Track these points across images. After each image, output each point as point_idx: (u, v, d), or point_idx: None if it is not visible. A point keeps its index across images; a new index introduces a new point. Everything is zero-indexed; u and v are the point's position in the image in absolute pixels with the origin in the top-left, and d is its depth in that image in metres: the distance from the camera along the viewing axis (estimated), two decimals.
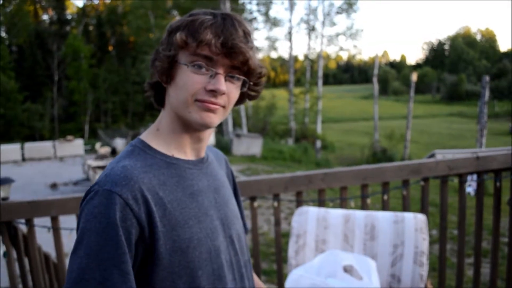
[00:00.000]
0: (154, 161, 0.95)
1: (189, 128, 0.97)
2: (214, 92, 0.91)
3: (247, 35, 0.93)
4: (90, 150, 20.74)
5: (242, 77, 0.95)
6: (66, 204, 2.15)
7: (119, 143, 18.04)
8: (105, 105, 32.47)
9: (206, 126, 0.95)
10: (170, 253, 0.89)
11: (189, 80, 0.91)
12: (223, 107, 0.95)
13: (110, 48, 36.67)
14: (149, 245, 0.87)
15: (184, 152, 1.01)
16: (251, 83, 0.98)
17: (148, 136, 1.01)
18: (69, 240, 2.02)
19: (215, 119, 0.94)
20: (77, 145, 20.10)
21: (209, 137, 1.05)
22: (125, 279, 0.82)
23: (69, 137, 20.67)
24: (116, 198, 0.84)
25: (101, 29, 36.47)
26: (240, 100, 1.03)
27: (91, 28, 38.10)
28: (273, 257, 4.93)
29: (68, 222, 2.26)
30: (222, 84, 0.91)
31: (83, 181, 12.35)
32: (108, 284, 0.81)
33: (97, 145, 13.07)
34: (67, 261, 1.43)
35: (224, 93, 0.92)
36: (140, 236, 0.86)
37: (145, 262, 0.88)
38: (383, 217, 1.87)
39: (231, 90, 0.94)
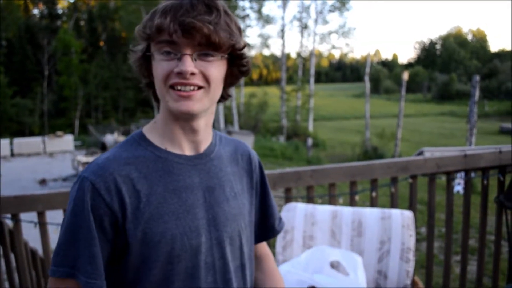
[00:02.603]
0: (142, 154, 0.96)
1: (179, 118, 0.96)
2: (182, 74, 0.89)
3: (212, 8, 0.90)
4: (80, 146, 20.61)
5: (215, 53, 0.91)
6: (53, 199, 2.14)
7: (110, 139, 17.94)
8: (95, 100, 32.21)
9: (186, 114, 0.92)
10: (141, 244, 0.91)
11: (159, 68, 0.91)
12: (202, 88, 0.92)
13: (101, 43, 36.38)
14: (123, 234, 0.91)
15: (179, 145, 0.99)
16: (226, 56, 0.94)
17: (147, 128, 1.02)
18: (56, 236, 2.01)
19: (193, 105, 0.92)
20: (67, 141, 19.97)
21: (207, 127, 1.01)
22: (92, 260, 0.89)
23: (59, 132, 20.51)
24: (89, 185, 0.89)
25: (92, 24, 36.16)
26: (234, 79, 1.01)
27: (82, 23, 37.75)
28: None
29: (55, 217, 2.24)
30: (187, 64, 0.88)
31: (73, 177, 12.28)
32: (78, 262, 0.89)
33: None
34: None
35: (193, 73, 0.89)
36: (115, 224, 0.91)
37: (122, 250, 0.93)
38: (370, 214, 1.88)
39: (206, 68, 0.91)
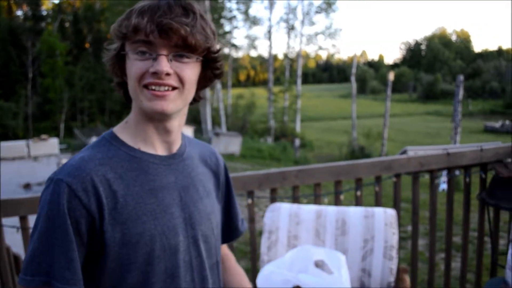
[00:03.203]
0: (116, 154, 0.95)
1: (152, 118, 0.96)
2: (157, 74, 0.89)
3: (188, 11, 0.91)
4: (66, 149, 20.39)
5: (190, 55, 0.92)
6: (35, 203, 2.10)
7: (95, 139, 17.77)
8: (81, 103, 31.88)
9: (160, 113, 0.93)
10: (120, 246, 0.90)
11: (134, 67, 0.91)
12: (176, 88, 0.93)
13: (87, 45, 36.04)
14: (100, 236, 0.89)
15: (153, 145, 0.99)
16: (201, 59, 0.96)
17: (118, 128, 1.01)
18: None
19: (167, 105, 0.92)
20: (51, 144, 19.72)
21: (179, 128, 1.02)
22: (70, 265, 0.86)
23: (44, 136, 20.25)
24: (65, 187, 0.87)
25: (78, 26, 35.82)
26: (207, 81, 1.02)
27: (67, 24, 37.35)
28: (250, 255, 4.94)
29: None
30: (163, 65, 0.89)
31: None
32: (55, 268, 0.85)
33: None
34: None
35: (168, 74, 0.90)
36: (92, 226, 0.89)
37: (98, 252, 0.91)
38: (354, 212, 1.89)
39: (181, 69, 0.92)
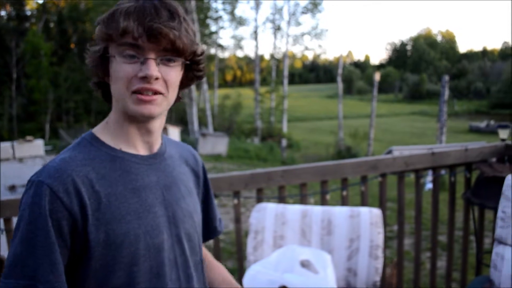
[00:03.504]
0: (97, 154, 0.95)
1: (135, 120, 0.96)
2: (146, 78, 0.90)
3: (174, 14, 0.92)
4: (51, 151, 20.15)
5: (177, 58, 0.94)
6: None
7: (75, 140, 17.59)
8: (67, 104, 31.53)
9: (147, 117, 0.94)
10: (104, 246, 0.89)
11: (121, 71, 0.91)
12: (162, 94, 0.93)
13: (72, 45, 35.66)
14: (83, 238, 0.88)
15: (134, 146, 0.99)
16: (188, 62, 0.97)
17: (98, 129, 1.01)
18: None
19: (154, 109, 0.93)
20: (37, 146, 19.44)
21: (160, 129, 1.03)
22: (53, 268, 0.85)
23: (29, 137, 19.96)
24: (46, 189, 0.86)
25: (62, 26, 35.43)
26: (188, 82, 1.03)
27: (51, 24, 36.92)
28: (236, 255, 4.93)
29: None
30: (152, 69, 0.89)
31: None
32: (39, 272, 0.84)
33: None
34: None
35: (157, 78, 0.91)
36: (74, 228, 0.88)
37: (80, 254, 0.90)
38: (340, 212, 1.89)
39: (167, 73, 0.93)
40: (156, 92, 0.92)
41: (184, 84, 1.02)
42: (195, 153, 1.21)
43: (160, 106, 0.94)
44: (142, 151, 1.00)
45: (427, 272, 3.96)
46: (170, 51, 0.92)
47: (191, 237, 1.05)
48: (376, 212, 1.86)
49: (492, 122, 31.62)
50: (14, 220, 2.11)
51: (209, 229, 1.25)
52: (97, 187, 0.90)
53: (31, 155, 18.88)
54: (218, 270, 1.25)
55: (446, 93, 13.61)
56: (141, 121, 0.97)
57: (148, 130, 0.99)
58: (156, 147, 1.03)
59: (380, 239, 1.79)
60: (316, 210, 1.92)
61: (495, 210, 2.65)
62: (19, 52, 30.99)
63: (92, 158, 0.93)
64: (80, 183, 0.88)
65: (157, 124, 1.00)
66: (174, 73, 0.95)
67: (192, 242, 1.06)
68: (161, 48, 0.90)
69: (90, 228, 0.88)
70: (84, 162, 0.92)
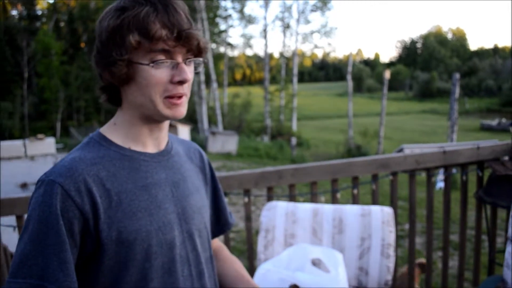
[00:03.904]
0: (106, 153, 0.96)
1: (152, 121, 0.98)
2: (182, 82, 0.92)
3: (187, 15, 0.94)
4: (62, 149, 20.32)
5: (199, 59, 0.96)
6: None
7: (83, 140, 17.70)
8: (77, 102, 31.79)
9: (177, 119, 0.97)
10: (116, 244, 0.90)
11: (153, 78, 0.91)
12: (186, 95, 0.96)
13: (82, 44, 35.91)
14: (95, 236, 0.89)
15: (143, 144, 1.00)
16: (206, 61, 1.01)
17: (105, 129, 1.01)
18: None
19: (184, 110, 0.97)
20: (48, 144, 19.63)
21: (167, 124, 1.04)
22: (63, 267, 0.84)
23: (40, 135, 20.16)
24: (58, 188, 0.86)
25: (73, 25, 35.67)
26: None
27: (62, 24, 37.21)
28: (246, 254, 4.94)
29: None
30: (187, 72, 0.92)
31: None
32: (48, 271, 0.83)
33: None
34: None
35: (190, 80, 0.93)
36: (85, 227, 0.88)
37: (93, 252, 0.90)
38: (351, 211, 1.88)
39: (190, 73, 0.95)
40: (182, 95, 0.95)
41: None
42: (200, 150, 1.22)
43: (186, 106, 0.98)
44: (150, 148, 1.01)
45: (438, 272, 3.94)
46: (193, 52, 0.94)
47: (201, 233, 1.06)
48: (388, 210, 1.85)
49: (504, 120, 31.28)
50: (26, 217, 2.15)
51: (222, 223, 1.26)
52: (108, 185, 0.91)
53: (42, 153, 19.07)
54: (233, 265, 1.23)
55: (457, 91, 13.49)
56: (158, 122, 0.99)
57: (160, 128, 1.01)
58: (163, 144, 1.05)
59: (392, 237, 1.78)
60: (327, 209, 1.91)
61: (508, 209, 2.62)
62: (30, 51, 31.27)
63: (101, 157, 0.94)
64: (91, 181, 0.89)
65: (166, 121, 1.02)
66: (192, 73, 0.97)
67: (202, 238, 1.07)
68: (186, 51, 0.93)
69: (102, 226, 0.88)
70: (94, 161, 0.93)
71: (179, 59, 0.92)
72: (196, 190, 1.09)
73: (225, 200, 1.28)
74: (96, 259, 0.90)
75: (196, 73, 1.03)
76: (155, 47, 0.89)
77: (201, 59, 0.97)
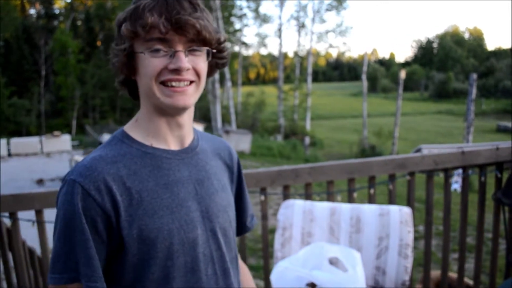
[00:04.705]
0: (128, 151, 0.96)
1: (165, 113, 0.97)
2: (178, 71, 0.91)
3: (195, 5, 0.93)
4: (78, 146, 20.56)
5: (203, 48, 0.95)
6: (51, 197, 2.13)
7: (107, 139, 17.89)
8: (93, 100, 32.12)
9: (180, 108, 0.95)
10: (138, 242, 0.91)
11: (149, 65, 0.92)
12: (193, 82, 0.95)
13: (99, 43, 36.27)
14: (118, 233, 0.90)
15: (165, 141, 0.99)
16: (214, 51, 0.98)
17: (128, 127, 1.02)
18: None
19: (188, 99, 0.94)
20: (64, 141, 19.89)
21: (190, 122, 1.03)
22: (89, 263, 0.87)
23: (56, 132, 20.43)
24: (78, 187, 0.88)
25: (90, 24, 36.07)
26: (211, 71, 1.04)
27: (79, 23, 37.64)
28: (261, 253, 4.94)
29: (53, 215, 2.23)
30: (183, 61, 0.91)
31: None
32: (78, 265, 0.87)
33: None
34: None
35: (188, 69, 0.92)
36: (109, 224, 0.90)
37: (117, 249, 0.92)
38: (369, 210, 1.88)
39: (196, 63, 0.94)
40: (188, 83, 0.93)
41: (208, 73, 1.02)
42: (231, 147, 1.20)
43: (193, 96, 0.96)
44: (173, 145, 1.01)
45: (453, 272, 3.90)
46: (196, 42, 0.93)
47: (226, 232, 1.05)
48: (406, 210, 1.84)
49: None
50: (45, 212, 2.18)
51: (239, 225, 1.23)
52: (129, 183, 0.92)
53: (58, 150, 19.33)
54: (246, 280, 1.23)
55: (474, 91, 13.32)
56: (171, 115, 0.97)
57: (178, 124, 0.99)
58: (187, 141, 1.03)
59: (410, 238, 1.77)
60: (345, 208, 1.91)
61: None
62: (47, 49, 31.72)
63: (123, 155, 0.95)
64: (111, 180, 0.90)
65: (187, 117, 1.00)
66: (202, 62, 0.96)
67: (227, 237, 1.05)
68: (188, 39, 0.92)
69: (123, 224, 0.90)
70: (115, 159, 0.93)
71: (179, 48, 0.91)
72: (222, 188, 1.08)
73: (249, 203, 1.25)
74: (120, 256, 0.92)
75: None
76: (151, 36, 0.90)
77: (206, 48, 0.95)
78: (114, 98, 32.77)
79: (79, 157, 12.99)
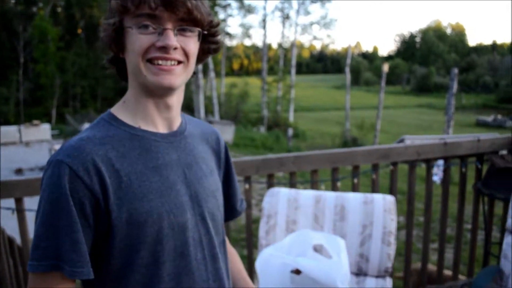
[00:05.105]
0: (116, 133, 0.93)
1: (153, 94, 0.94)
2: (165, 49, 0.88)
3: None
4: (58, 135, 20.26)
5: (194, 28, 0.92)
6: (31, 184, 2.09)
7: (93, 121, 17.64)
8: (73, 89, 31.56)
9: (166, 88, 0.92)
10: (127, 225, 0.88)
11: (137, 41, 0.89)
12: (181, 62, 0.92)
13: (79, 31, 35.58)
14: (106, 217, 0.87)
15: (153, 123, 0.97)
16: (205, 33, 0.95)
17: (116, 108, 0.99)
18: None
19: (174, 79, 0.91)
20: (43, 130, 19.56)
21: (179, 104, 1.01)
22: (75, 247, 0.84)
23: (35, 121, 20.06)
24: (66, 168, 0.85)
25: (70, 11, 35.33)
26: (203, 55, 1.01)
27: (59, 9, 36.85)
28: (244, 243, 4.95)
29: (34, 203, 2.19)
30: (171, 39, 0.88)
31: None
32: (61, 251, 0.83)
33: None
34: None
35: (176, 48, 0.90)
36: (97, 207, 0.87)
37: (105, 233, 0.88)
38: (353, 198, 1.89)
39: (186, 43, 0.92)
40: (175, 63, 0.91)
41: (200, 57, 1.00)
42: (218, 133, 1.18)
43: (180, 77, 0.93)
44: (161, 128, 0.98)
45: (431, 263, 3.97)
46: (187, 21, 0.90)
47: (214, 216, 1.04)
48: (390, 198, 1.86)
49: (499, 117, 31.41)
50: (26, 200, 2.14)
51: (229, 209, 1.22)
52: (117, 165, 0.89)
53: (37, 139, 19.00)
54: (236, 264, 1.23)
55: (455, 86, 13.51)
56: (158, 96, 0.95)
57: (167, 105, 0.97)
58: (175, 125, 1.01)
59: (393, 225, 1.79)
60: (329, 196, 1.92)
61: (505, 201, 2.65)
62: (26, 36, 31.00)
63: (111, 136, 0.92)
64: (100, 161, 0.87)
65: (175, 99, 0.98)
66: (193, 44, 0.93)
67: (216, 222, 1.04)
68: (179, 18, 0.89)
69: (112, 207, 0.87)
70: (103, 141, 0.90)
71: (168, 25, 0.88)
72: (210, 172, 1.06)
73: (238, 187, 1.25)
74: (107, 240, 0.89)
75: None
76: (140, 12, 0.88)
77: (197, 29, 0.92)
78: (94, 87, 32.29)
79: (59, 146, 12.79)
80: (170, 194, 0.94)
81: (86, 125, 18.13)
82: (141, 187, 0.90)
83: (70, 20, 35.33)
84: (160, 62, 0.89)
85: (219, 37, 1.01)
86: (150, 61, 0.90)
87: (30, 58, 31.81)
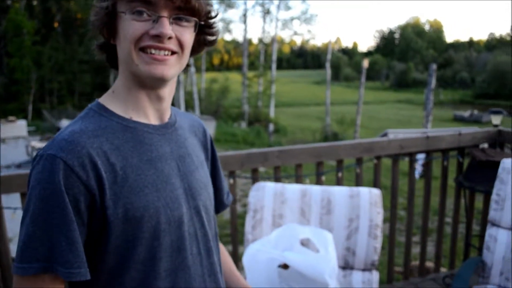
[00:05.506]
0: (109, 124, 0.88)
1: (144, 85, 0.90)
2: (159, 37, 0.84)
3: None
4: (34, 132, 19.85)
5: (191, 18, 0.88)
6: (10, 181, 2.01)
7: (66, 124, 17.35)
8: (50, 84, 30.93)
9: (158, 79, 0.88)
10: (123, 222, 0.84)
11: (130, 28, 0.85)
12: (175, 53, 0.88)
13: (56, 24, 34.83)
14: (101, 214, 0.83)
15: (145, 114, 0.93)
16: (202, 23, 0.92)
17: (104, 98, 0.94)
18: (13, 222, 1.89)
19: (167, 70, 0.87)
20: (19, 126, 19.11)
21: (170, 96, 0.97)
22: (72, 247, 0.79)
23: (11, 117, 19.60)
24: (60, 163, 0.79)
25: (46, 4, 34.54)
26: (199, 47, 0.98)
27: (35, 2, 36.03)
28: (227, 239, 4.93)
29: (12, 201, 2.12)
30: (166, 27, 0.84)
31: (27, 163, 11.80)
32: (55, 251, 0.78)
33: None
34: (11, 246, 1.27)
35: (170, 37, 0.85)
36: (92, 204, 0.82)
37: (100, 231, 0.84)
38: (339, 192, 1.89)
39: (181, 33, 0.88)
40: (169, 53, 0.87)
41: (195, 49, 0.96)
42: (204, 125, 1.16)
43: (173, 68, 0.89)
44: (153, 120, 0.95)
45: (413, 256, 4.02)
46: (184, 10, 0.86)
47: (207, 209, 1.01)
48: (376, 192, 1.86)
49: (475, 112, 32.11)
50: (4, 198, 2.07)
51: (216, 202, 1.19)
52: (112, 159, 0.85)
53: (13, 135, 18.56)
54: (227, 263, 1.22)
55: (433, 82, 13.71)
56: (150, 87, 0.91)
57: (159, 96, 0.93)
58: (166, 116, 0.98)
59: (379, 218, 1.80)
60: (316, 190, 1.91)
61: (486, 193, 2.69)
62: (0, 30, 30.23)
63: (103, 128, 0.87)
64: (95, 155, 0.82)
65: (167, 91, 0.94)
66: (189, 34, 0.89)
67: (209, 215, 1.02)
68: (175, 6, 0.85)
69: (108, 203, 0.82)
70: (96, 133, 0.85)
71: (164, 13, 0.84)
72: (200, 165, 1.04)
73: (224, 180, 1.23)
74: (102, 238, 0.84)
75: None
76: None
77: (194, 19, 0.88)
78: (72, 82, 31.71)
79: (36, 143, 12.51)
80: (166, 188, 0.90)
81: (65, 121, 17.84)
82: (137, 181, 0.86)
83: (46, 13, 34.56)
84: (153, 51, 0.85)
85: (216, 30, 0.97)
86: (143, 49, 0.86)
87: (4, 52, 31.03)
